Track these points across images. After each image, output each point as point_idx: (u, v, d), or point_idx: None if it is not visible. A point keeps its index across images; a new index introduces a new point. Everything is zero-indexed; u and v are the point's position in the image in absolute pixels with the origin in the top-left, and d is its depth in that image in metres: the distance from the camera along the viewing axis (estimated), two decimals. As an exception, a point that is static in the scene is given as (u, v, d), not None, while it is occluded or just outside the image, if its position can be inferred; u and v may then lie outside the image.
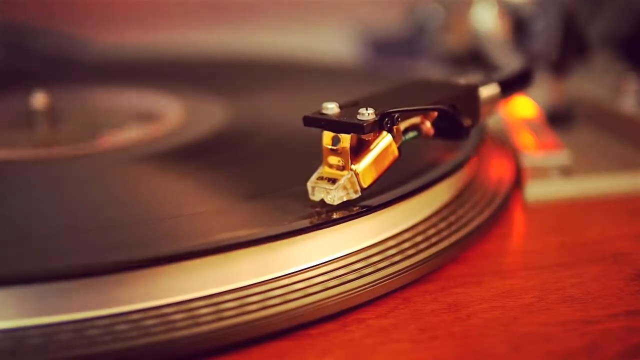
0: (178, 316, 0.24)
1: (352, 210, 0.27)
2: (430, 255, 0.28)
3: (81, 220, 0.28)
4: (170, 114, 0.42)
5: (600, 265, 0.29)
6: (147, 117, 0.42)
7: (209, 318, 0.24)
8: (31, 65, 0.62)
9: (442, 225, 0.30)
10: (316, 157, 0.28)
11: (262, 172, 0.33)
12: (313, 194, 0.28)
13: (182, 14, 0.74)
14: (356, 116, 0.27)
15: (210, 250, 0.25)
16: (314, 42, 0.62)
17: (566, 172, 0.35)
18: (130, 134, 0.40)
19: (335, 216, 0.27)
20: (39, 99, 0.41)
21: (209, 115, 0.42)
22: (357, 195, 0.27)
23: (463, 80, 0.32)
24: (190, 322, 0.24)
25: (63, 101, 0.45)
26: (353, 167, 0.27)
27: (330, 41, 0.64)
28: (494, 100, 0.32)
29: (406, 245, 0.28)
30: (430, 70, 0.54)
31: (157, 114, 0.43)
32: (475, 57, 0.48)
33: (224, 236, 0.25)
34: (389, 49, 0.60)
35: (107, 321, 0.23)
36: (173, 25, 0.72)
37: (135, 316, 0.24)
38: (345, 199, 0.27)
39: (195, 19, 0.73)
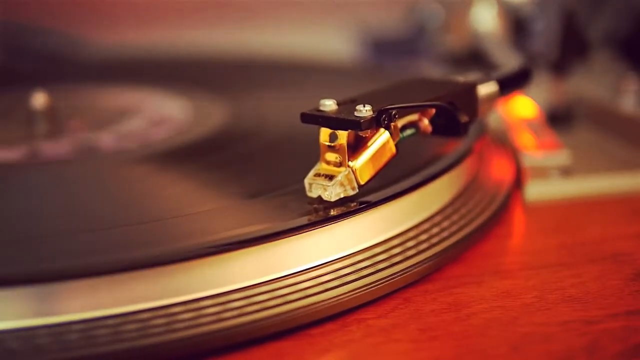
0: (178, 317, 0.24)
1: (351, 206, 0.27)
2: (430, 256, 0.28)
3: (82, 221, 0.28)
4: (170, 114, 0.42)
5: (600, 265, 0.29)
6: (147, 117, 0.42)
7: (208, 319, 0.24)
8: (31, 65, 0.62)
9: (442, 225, 0.30)
10: (316, 156, 0.28)
11: (262, 171, 0.33)
12: (310, 191, 0.27)
13: (181, 14, 0.74)
14: (353, 113, 0.27)
15: (209, 251, 0.25)
16: (314, 42, 0.62)
17: (566, 172, 0.35)
18: (130, 134, 0.40)
19: (333, 212, 0.27)
20: (38, 99, 0.41)
21: (209, 115, 0.42)
22: (355, 192, 0.27)
23: (461, 78, 0.32)
24: (189, 322, 0.23)
25: (63, 101, 0.44)
26: (350, 163, 0.27)
27: (330, 41, 0.64)
28: (492, 98, 0.32)
29: (407, 245, 0.28)
30: (430, 70, 0.53)
31: (157, 114, 0.43)
32: (475, 57, 0.48)
33: (223, 235, 0.25)
34: (389, 49, 0.60)
35: (112, 321, 0.23)
36: (173, 25, 0.72)
37: (133, 317, 0.24)
38: (342, 196, 0.27)
39: (195, 18, 0.73)
